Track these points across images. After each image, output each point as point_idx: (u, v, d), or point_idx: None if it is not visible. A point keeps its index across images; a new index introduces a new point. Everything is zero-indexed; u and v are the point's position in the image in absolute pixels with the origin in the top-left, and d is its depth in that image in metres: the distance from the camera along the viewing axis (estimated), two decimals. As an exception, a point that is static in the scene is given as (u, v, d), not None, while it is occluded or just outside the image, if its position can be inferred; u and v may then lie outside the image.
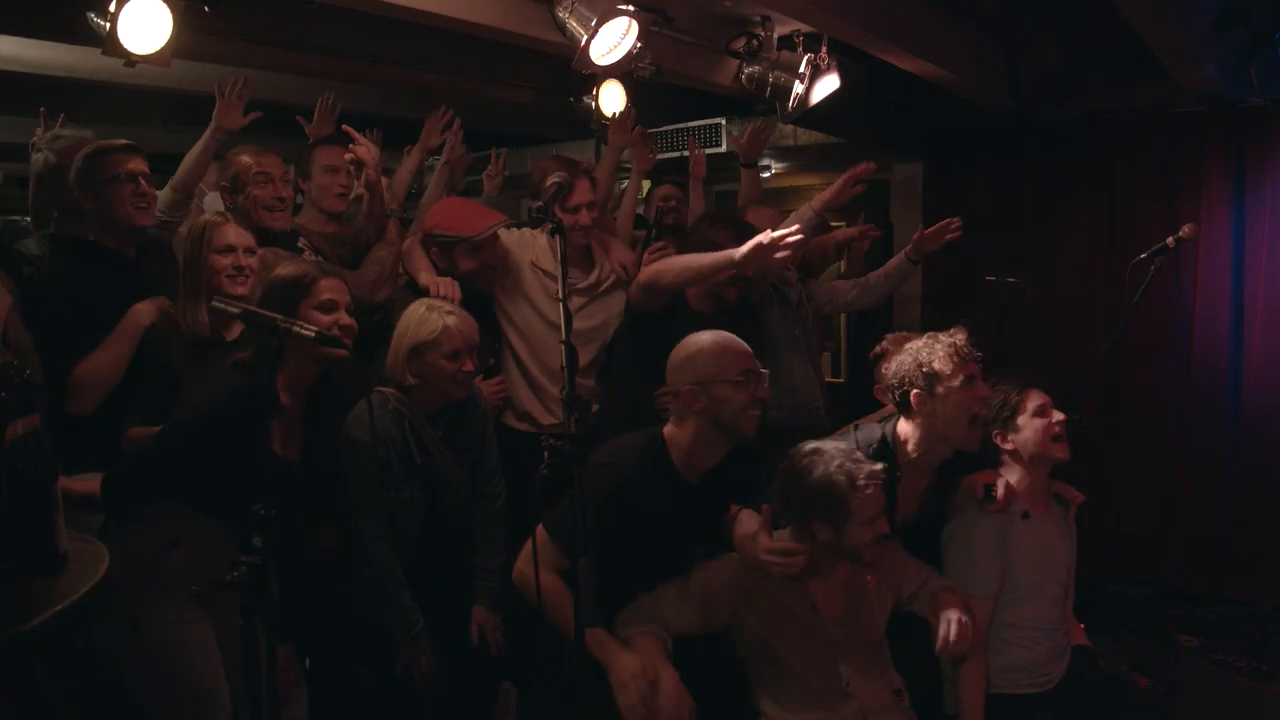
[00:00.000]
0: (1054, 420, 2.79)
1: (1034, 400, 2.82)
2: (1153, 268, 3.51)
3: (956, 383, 2.60)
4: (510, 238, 3.42)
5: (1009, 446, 2.83)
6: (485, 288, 3.32)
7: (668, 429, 2.57)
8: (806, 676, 2.41)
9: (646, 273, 3.22)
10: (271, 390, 2.28)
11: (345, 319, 2.43)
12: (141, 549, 2.22)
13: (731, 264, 2.93)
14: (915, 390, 2.64)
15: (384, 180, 3.49)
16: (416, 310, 2.76)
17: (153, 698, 2.23)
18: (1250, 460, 4.34)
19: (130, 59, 2.77)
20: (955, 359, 2.61)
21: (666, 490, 2.51)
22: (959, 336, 2.68)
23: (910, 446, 2.71)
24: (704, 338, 2.58)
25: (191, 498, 2.24)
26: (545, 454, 1.99)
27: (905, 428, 2.72)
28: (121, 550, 2.21)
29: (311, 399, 2.43)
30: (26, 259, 2.84)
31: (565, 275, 2.13)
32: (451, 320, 2.72)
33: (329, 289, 2.43)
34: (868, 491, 2.32)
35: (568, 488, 1.96)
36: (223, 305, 2.09)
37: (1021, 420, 2.80)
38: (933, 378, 2.61)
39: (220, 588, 2.17)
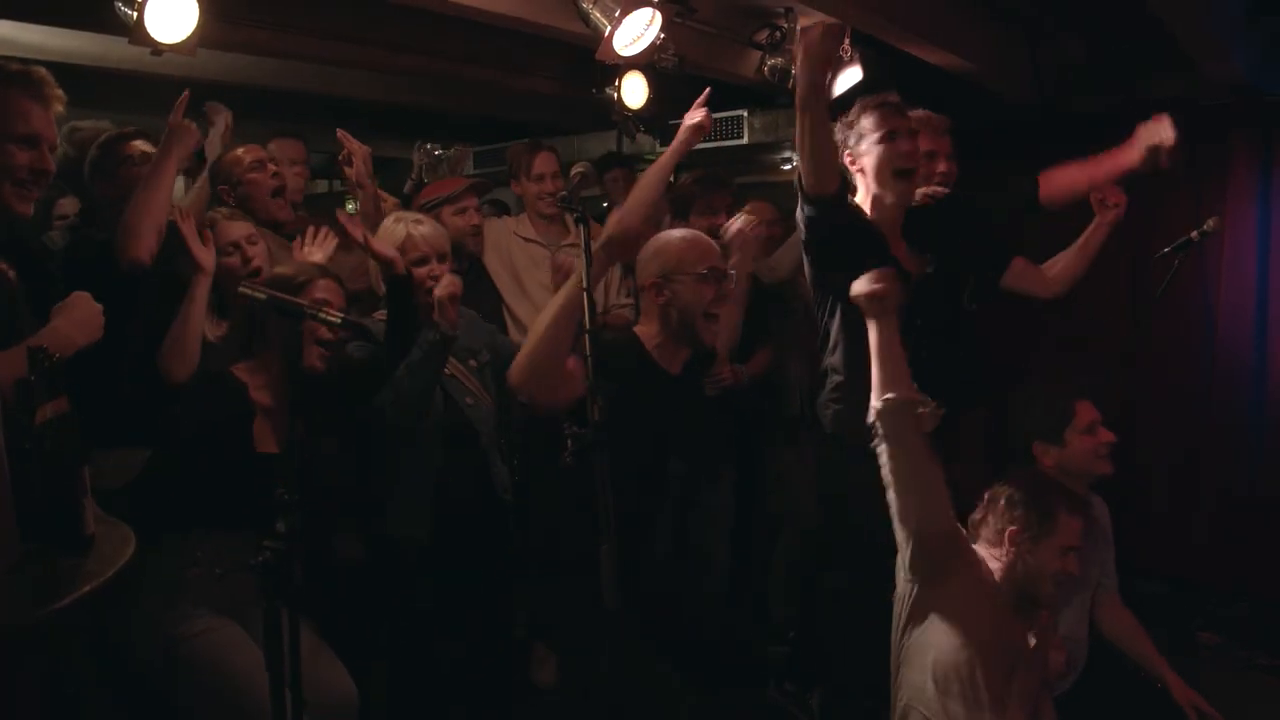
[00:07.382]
0: (1103, 441, 2.61)
1: (1085, 416, 2.63)
2: (1177, 261, 3.47)
3: None
4: (497, 221, 3.83)
5: (1049, 462, 2.62)
6: (475, 251, 3.53)
7: (638, 326, 2.51)
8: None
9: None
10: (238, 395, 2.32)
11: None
12: (160, 572, 2.24)
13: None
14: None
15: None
16: (385, 223, 2.77)
17: (203, 712, 2.25)
18: (1275, 455, 4.30)
19: (156, 48, 2.80)
20: None
21: (651, 381, 2.43)
22: None
23: None
24: (674, 233, 2.51)
25: (194, 519, 2.27)
26: (568, 441, 1.98)
27: None
28: (144, 576, 2.25)
29: (300, 393, 2.40)
30: (51, 253, 2.83)
31: (589, 264, 2.10)
32: (418, 229, 2.72)
33: (324, 289, 2.43)
34: (1077, 521, 2.17)
35: (591, 474, 1.95)
36: (250, 290, 2.10)
37: (1069, 435, 2.62)
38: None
39: (245, 571, 2.19)
